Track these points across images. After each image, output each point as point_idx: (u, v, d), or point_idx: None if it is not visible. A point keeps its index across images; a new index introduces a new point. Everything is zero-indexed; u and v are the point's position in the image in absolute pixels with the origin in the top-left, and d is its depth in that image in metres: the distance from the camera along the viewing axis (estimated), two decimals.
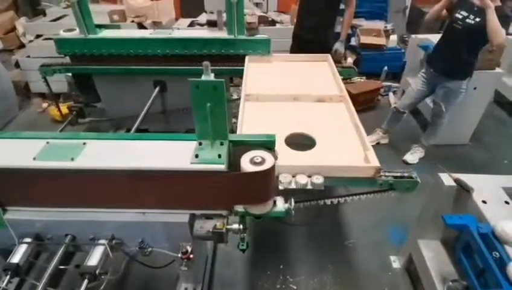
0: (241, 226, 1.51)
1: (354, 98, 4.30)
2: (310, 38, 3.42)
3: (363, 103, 4.41)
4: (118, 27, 2.97)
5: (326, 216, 2.85)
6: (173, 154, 1.35)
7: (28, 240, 1.47)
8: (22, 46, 5.53)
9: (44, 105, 4.46)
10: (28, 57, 4.33)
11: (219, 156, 1.29)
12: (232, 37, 2.58)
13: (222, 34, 2.69)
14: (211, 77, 1.22)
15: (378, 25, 5.32)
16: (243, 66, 2.41)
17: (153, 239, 1.49)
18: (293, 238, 2.66)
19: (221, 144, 1.35)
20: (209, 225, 1.49)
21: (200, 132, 1.33)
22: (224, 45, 2.58)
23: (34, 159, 1.29)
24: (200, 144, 1.35)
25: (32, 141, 1.42)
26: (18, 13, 6.17)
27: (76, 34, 2.61)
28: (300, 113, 1.91)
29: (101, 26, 2.74)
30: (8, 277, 1.37)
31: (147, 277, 2.29)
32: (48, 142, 1.38)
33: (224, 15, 2.62)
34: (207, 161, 1.28)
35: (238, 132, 1.67)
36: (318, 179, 1.49)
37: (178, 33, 2.78)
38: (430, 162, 3.45)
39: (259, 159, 1.30)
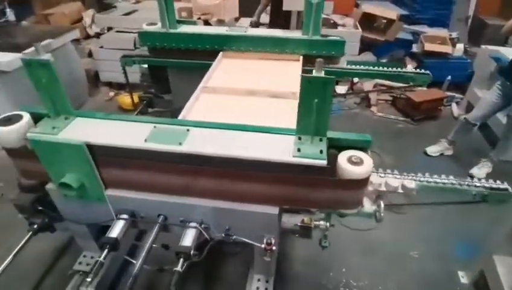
0: (328, 224, 1.53)
1: (416, 106, 4.20)
2: None
3: (426, 112, 4.28)
4: (195, 23, 3.07)
5: (387, 223, 2.78)
6: (271, 146, 1.38)
7: (125, 216, 1.57)
8: (87, 36, 5.85)
9: (111, 94, 4.72)
10: (101, 47, 4.56)
11: (321, 151, 1.31)
12: (306, 37, 2.59)
13: (297, 34, 2.71)
14: (322, 73, 1.24)
15: (443, 32, 5.14)
16: (313, 66, 2.41)
17: (238, 227, 1.53)
18: (355, 242, 2.63)
19: (320, 140, 1.37)
20: (296, 219, 1.53)
21: (301, 126, 1.36)
22: (298, 45, 2.59)
23: (146, 141, 1.38)
24: (299, 138, 1.38)
25: (137, 124, 1.52)
26: (84, 5, 6.53)
27: (157, 27, 2.73)
28: (251, 106, 1.92)
29: (180, 22, 2.86)
30: (106, 250, 1.45)
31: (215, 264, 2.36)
32: (155, 126, 1.46)
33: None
34: (309, 155, 1.30)
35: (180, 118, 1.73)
36: (410, 183, 1.49)
37: (253, 31, 2.83)
38: (497, 178, 3.27)
39: (358, 159, 1.31)
